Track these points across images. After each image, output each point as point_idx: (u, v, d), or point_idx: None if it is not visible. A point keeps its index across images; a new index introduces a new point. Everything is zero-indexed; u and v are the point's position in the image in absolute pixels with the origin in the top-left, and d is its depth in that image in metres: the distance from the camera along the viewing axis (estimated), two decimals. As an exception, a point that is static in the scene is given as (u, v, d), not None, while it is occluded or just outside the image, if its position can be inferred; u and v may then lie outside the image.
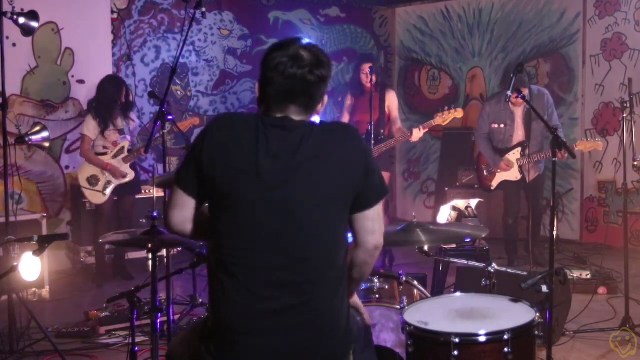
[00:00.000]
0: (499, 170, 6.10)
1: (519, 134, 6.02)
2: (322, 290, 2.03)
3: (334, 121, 2.23)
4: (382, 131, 5.83)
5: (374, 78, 5.68)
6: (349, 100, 6.13)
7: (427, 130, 5.68)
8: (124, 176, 5.83)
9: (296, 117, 2.07)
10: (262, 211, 1.99)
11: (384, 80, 6.11)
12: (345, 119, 6.13)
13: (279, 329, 1.99)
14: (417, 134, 5.58)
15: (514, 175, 6.04)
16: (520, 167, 5.98)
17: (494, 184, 6.19)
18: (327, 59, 2.10)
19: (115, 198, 5.88)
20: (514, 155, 6.02)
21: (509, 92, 3.78)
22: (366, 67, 5.87)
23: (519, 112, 5.96)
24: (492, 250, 4.94)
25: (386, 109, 5.89)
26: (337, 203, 2.04)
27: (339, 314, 2.08)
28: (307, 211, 2.00)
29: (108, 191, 5.78)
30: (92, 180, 5.78)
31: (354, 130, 2.17)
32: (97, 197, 5.79)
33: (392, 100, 5.96)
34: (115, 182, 5.80)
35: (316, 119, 2.16)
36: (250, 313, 2.00)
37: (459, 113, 5.63)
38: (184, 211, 2.13)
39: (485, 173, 6.29)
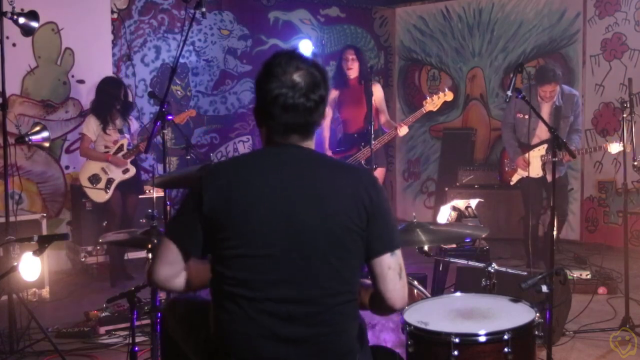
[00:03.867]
0: (514, 166, 5.89)
1: (542, 129, 5.67)
2: (333, 318, 2.01)
3: (350, 163, 2.23)
4: (371, 127, 5.40)
5: (356, 67, 5.42)
6: (332, 94, 5.78)
7: (415, 119, 5.48)
8: (126, 170, 5.81)
9: (301, 142, 2.05)
10: (272, 242, 1.96)
11: (368, 71, 5.63)
12: (329, 114, 5.81)
13: (286, 357, 1.97)
14: (403, 129, 5.40)
15: (535, 172, 5.74)
16: (543, 164, 5.72)
17: (514, 179, 5.95)
18: (322, 74, 2.04)
19: (120, 195, 5.85)
20: (539, 152, 5.73)
21: (509, 92, 3.77)
22: (348, 53, 5.63)
23: (546, 107, 5.68)
24: (492, 250, 4.94)
25: (373, 102, 5.51)
26: (344, 232, 1.99)
27: (350, 338, 2.07)
28: (316, 240, 1.97)
29: (111, 189, 5.77)
30: (93, 179, 5.77)
31: (368, 171, 2.18)
32: (99, 195, 5.76)
33: (378, 93, 5.62)
34: (117, 179, 5.78)
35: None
36: (257, 342, 1.97)
37: (448, 96, 5.40)
38: (175, 266, 2.05)
39: (507, 167, 6.06)
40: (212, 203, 1.97)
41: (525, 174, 5.76)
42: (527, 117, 5.67)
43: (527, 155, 5.72)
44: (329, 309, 2.00)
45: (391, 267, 2.04)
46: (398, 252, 2.06)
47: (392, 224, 2.09)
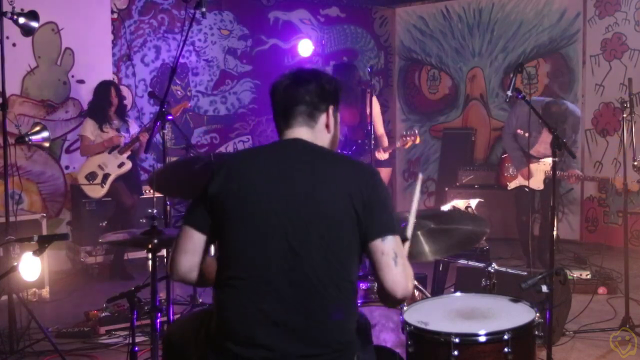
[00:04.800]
0: (515, 173, 5.92)
1: (542, 145, 5.71)
2: (329, 307, 2.03)
3: (352, 157, 2.31)
4: (366, 140, 5.57)
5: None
6: None
7: (390, 150, 5.79)
8: (122, 164, 5.88)
9: (304, 131, 2.17)
10: (270, 227, 2.03)
11: (361, 80, 5.89)
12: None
13: (281, 343, 2.00)
14: (382, 156, 5.70)
15: (536, 184, 5.81)
16: (545, 178, 5.74)
17: (512, 185, 6.00)
18: (324, 78, 2.21)
19: (125, 185, 5.96)
20: (543, 166, 5.76)
21: (509, 92, 3.76)
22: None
23: (547, 131, 5.48)
24: (492, 250, 4.94)
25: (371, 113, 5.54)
26: (342, 219, 2.04)
27: (345, 330, 2.08)
28: (313, 225, 2.02)
29: (107, 183, 5.85)
30: (90, 177, 5.86)
31: (368, 165, 2.25)
32: (95, 190, 5.86)
33: (375, 108, 5.59)
34: (113, 174, 5.86)
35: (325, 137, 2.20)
36: (252, 325, 2.01)
37: (417, 140, 5.69)
38: (194, 257, 2.13)
39: (506, 173, 6.08)
40: (215, 189, 2.08)
41: (524, 182, 5.83)
42: (526, 135, 5.72)
43: (531, 166, 5.77)
44: (324, 296, 2.02)
45: (384, 252, 2.03)
46: (390, 238, 2.04)
47: (387, 212, 2.09)
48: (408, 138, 5.67)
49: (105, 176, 5.87)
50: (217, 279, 2.13)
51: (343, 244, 2.05)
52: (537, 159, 5.83)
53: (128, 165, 5.93)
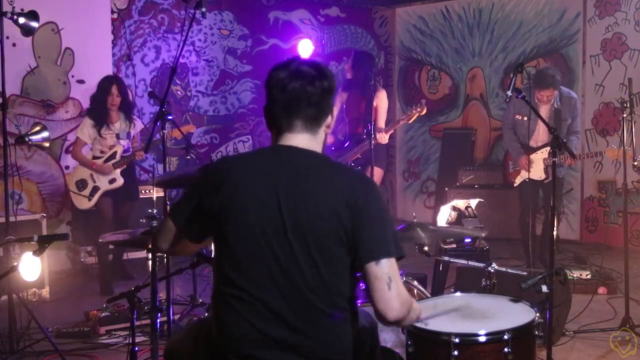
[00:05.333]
0: (517, 167, 5.89)
1: (541, 131, 5.73)
2: (326, 321, 2.01)
3: (349, 166, 2.23)
4: (365, 130, 5.59)
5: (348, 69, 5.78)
6: (342, 96, 6.07)
7: (392, 131, 5.76)
8: (113, 180, 5.65)
9: (304, 137, 2.07)
10: (261, 242, 1.99)
11: (374, 77, 5.96)
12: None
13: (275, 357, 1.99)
14: (383, 137, 5.68)
15: (537, 174, 5.76)
16: (546, 167, 5.70)
17: (517, 181, 5.95)
18: (330, 72, 2.11)
19: (112, 202, 5.72)
20: (541, 155, 5.73)
21: (509, 92, 3.76)
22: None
23: (544, 110, 5.65)
24: (492, 250, 4.94)
25: (374, 106, 5.72)
26: (331, 235, 1.97)
27: (345, 342, 2.05)
28: (304, 243, 1.97)
29: (95, 198, 5.63)
30: (80, 184, 5.66)
31: (363, 176, 2.13)
32: (82, 202, 5.66)
33: (381, 102, 5.80)
34: (102, 188, 5.64)
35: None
36: (253, 343, 2.00)
37: (424, 111, 5.66)
38: (173, 244, 2.22)
39: (510, 169, 6.05)
40: (209, 202, 2.04)
41: (526, 175, 5.76)
42: (525, 118, 5.69)
43: (530, 156, 5.72)
44: (320, 311, 1.99)
45: (377, 276, 1.96)
46: (384, 261, 1.96)
47: (382, 230, 2.00)
48: (414, 110, 5.58)
49: (95, 189, 5.63)
50: (213, 289, 2.11)
51: (333, 258, 1.99)
52: (533, 149, 5.77)
53: (119, 182, 5.65)
